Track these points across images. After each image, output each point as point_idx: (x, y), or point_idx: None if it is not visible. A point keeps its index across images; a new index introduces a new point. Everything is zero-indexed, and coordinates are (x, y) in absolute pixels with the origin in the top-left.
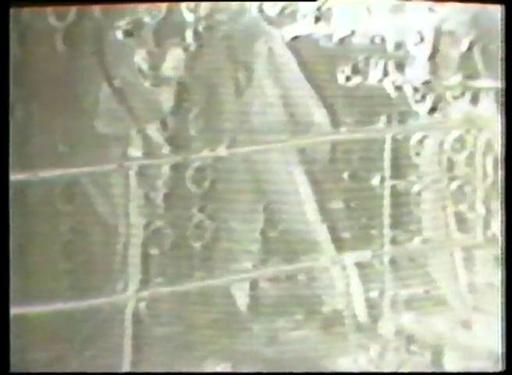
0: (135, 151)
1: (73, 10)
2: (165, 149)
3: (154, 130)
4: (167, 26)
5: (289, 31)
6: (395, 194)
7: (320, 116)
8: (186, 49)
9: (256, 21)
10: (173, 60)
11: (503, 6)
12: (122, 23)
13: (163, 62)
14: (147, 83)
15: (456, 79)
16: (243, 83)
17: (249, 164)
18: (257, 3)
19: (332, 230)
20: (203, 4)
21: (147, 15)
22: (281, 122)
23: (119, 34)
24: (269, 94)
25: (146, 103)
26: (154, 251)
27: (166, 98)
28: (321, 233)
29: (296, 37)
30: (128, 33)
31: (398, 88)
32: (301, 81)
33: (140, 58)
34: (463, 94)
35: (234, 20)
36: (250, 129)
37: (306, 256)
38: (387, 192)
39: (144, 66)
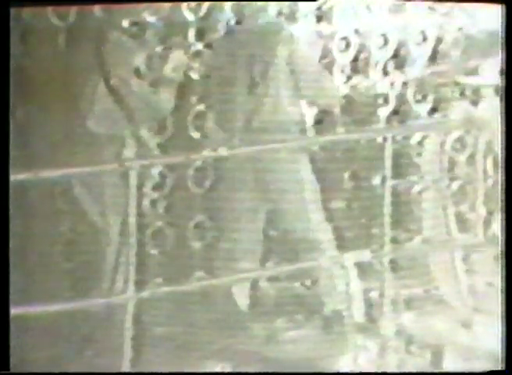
0: (135, 152)
1: (75, 10)
2: (166, 150)
3: (154, 131)
4: (170, 26)
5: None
6: (395, 193)
7: (329, 116)
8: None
9: (278, 19)
10: (175, 62)
11: (503, 6)
12: (124, 24)
13: (165, 64)
14: (145, 85)
15: (457, 79)
16: (257, 79)
17: (255, 163)
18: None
19: (334, 230)
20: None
21: (149, 15)
22: (292, 121)
23: (121, 35)
24: (282, 93)
25: (145, 104)
26: (154, 252)
27: (167, 98)
28: (325, 233)
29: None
30: (130, 35)
31: (398, 88)
32: (319, 81)
33: (140, 59)
34: (463, 94)
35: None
36: (260, 128)
37: (306, 256)
38: (388, 192)
39: (143, 68)
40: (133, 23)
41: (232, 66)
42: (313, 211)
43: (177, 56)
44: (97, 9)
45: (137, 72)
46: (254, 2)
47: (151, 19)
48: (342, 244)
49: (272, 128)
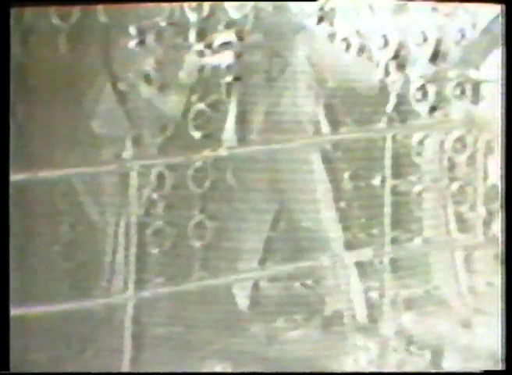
0: (135, 152)
1: (77, 10)
2: (166, 150)
3: (155, 131)
4: (176, 27)
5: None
6: (395, 193)
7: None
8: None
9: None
10: (190, 66)
11: (503, 6)
12: (131, 28)
13: (176, 68)
14: (154, 89)
15: (457, 78)
16: (274, 76)
17: (265, 163)
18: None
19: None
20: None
21: (158, 16)
22: (307, 120)
23: (129, 41)
24: (300, 91)
25: (153, 109)
26: (154, 251)
27: (176, 102)
28: (334, 232)
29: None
30: (138, 41)
31: (399, 88)
32: (338, 81)
33: (149, 64)
34: (463, 93)
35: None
36: (275, 127)
37: (306, 256)
38: (388, 192)
39: (152, 72)
40: (140, 28)
41: (251, 64)
42: (324, 210)
43: (191, 60)
44: (99, 10)
45: (147, 77)
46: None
47: (158, 21)
48: (342, 244)
49: (288, 128)
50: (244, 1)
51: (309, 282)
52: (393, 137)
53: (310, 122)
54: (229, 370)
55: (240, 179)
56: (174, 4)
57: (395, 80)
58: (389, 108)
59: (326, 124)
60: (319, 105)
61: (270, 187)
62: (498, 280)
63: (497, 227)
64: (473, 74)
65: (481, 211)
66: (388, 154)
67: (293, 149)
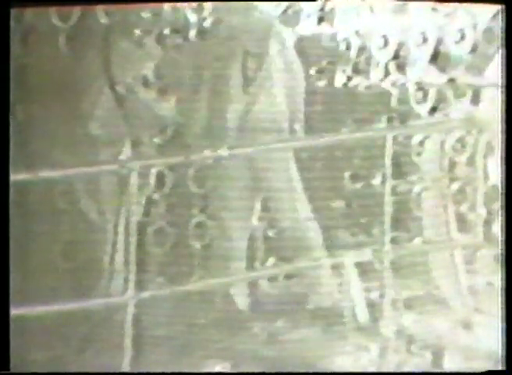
0: (136, 152)
1: (77, 11)
2: (167, 150)
3: (155, 132)
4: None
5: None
6: (396, 194)
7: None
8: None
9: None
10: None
11: (503, 6)
12: (132, 30)
13: (178, 71)
14: (151, 92)
15: (457, 79)
16: (251, 76)
17: (249, 162)
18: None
19: (334, 230)
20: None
21: (158, 17)
22: (283, 120)
23: (129, 41)
24: (274, 92)
25: (151, 112)
26: (154, 251)
27: (172, 103)
28: (313, 232)
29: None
30: (138, 42)
31: (399, 88)
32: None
33: (148, 66)
34: (464, 94)
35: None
36: (254, 127)
37: (306, 256)
38: (388, 192)
39: (150, 75)
40: (140, 28)
41: (224, 63)
42: (301, 210)
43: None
44: (99, 11)
45: (145, 79)
46: None
47: (158, 22)
48: (342, 244)
49: (265, 127)
50: (246, 2)
51: (309, 282)
52: (394, 137)
53: (287, 121)
54: (229, 370)
55: (232, 179)
56: (174, 4)
57: (395, 81)
58: (389, 108)
59: (302, 124)
60: (297, 104)
61: (255, 187)
62: (498, 280)
63: (497, 227)
64: (474, 80)
65: (482, 211)
66: (388, 154)
67: (275, 150)
